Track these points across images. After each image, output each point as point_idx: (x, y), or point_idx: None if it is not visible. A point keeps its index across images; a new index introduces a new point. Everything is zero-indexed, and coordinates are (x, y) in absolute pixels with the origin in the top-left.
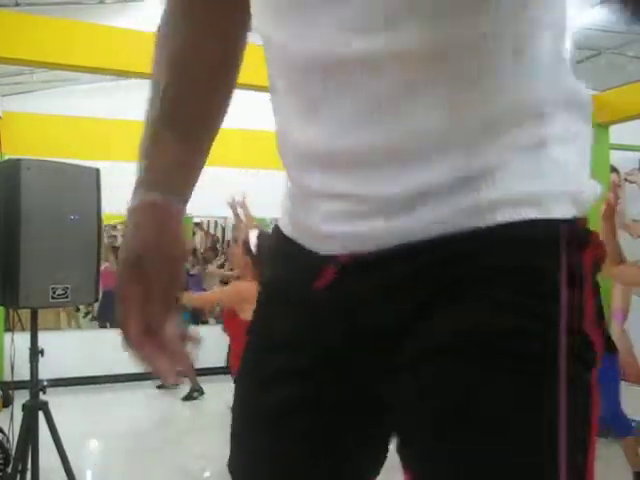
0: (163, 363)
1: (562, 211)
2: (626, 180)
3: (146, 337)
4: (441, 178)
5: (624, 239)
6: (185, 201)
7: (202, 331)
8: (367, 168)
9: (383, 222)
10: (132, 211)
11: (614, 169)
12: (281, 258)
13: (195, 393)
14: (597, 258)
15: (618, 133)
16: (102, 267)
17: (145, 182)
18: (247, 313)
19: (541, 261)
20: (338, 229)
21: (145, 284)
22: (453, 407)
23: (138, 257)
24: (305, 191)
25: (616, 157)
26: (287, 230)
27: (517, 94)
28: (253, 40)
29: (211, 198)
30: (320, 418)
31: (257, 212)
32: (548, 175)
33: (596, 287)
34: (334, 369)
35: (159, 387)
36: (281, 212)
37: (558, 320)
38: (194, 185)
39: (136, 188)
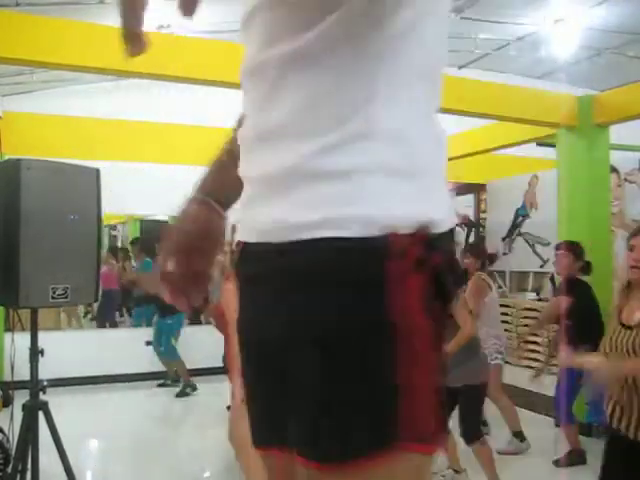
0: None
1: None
2: (626, 180)
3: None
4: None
5: (624, 239)
6: (226, 211)
7: (199, 331)
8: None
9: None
10: (191, 202)
11: (614, 169)
12: None
13: (188, 389)
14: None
15: (618, 133)
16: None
17: (204, 189)
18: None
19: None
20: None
21: (189, 248)
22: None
23: (187, 232)
24: None
25: (616, 157)
26: None
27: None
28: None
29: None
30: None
31: None
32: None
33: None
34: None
35: (160, 385)
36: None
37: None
38: (233, 202)
39: (196, 190)
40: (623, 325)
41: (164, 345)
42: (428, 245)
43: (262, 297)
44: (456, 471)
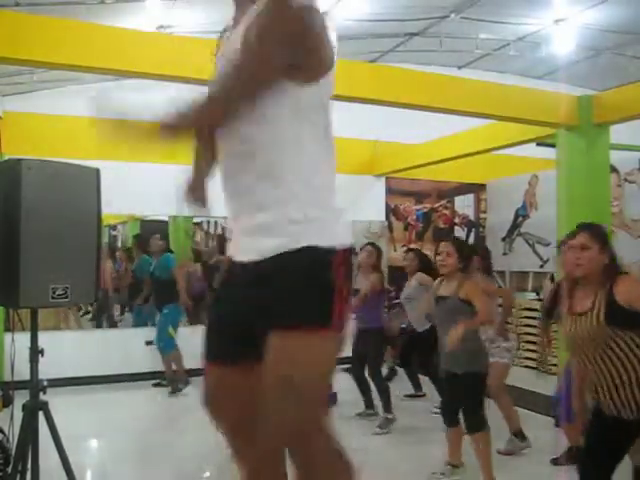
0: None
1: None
2: (626, 180)
3: None
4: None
5: (624, 239)
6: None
7: (199, 331)
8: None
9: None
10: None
11: (614, 169)
12: None
13: (181, 385)
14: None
15: (618, 133)
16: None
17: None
18: None
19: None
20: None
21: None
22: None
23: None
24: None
25: (616, 157)
26: None
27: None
28: None
29: (211, 198)
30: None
31: None
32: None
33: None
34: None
35: (155, 385)
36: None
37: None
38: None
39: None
40: (576, 314)
41: (159, 334)
42: (345, 253)
43: (243, 288)
44: (454, 466)
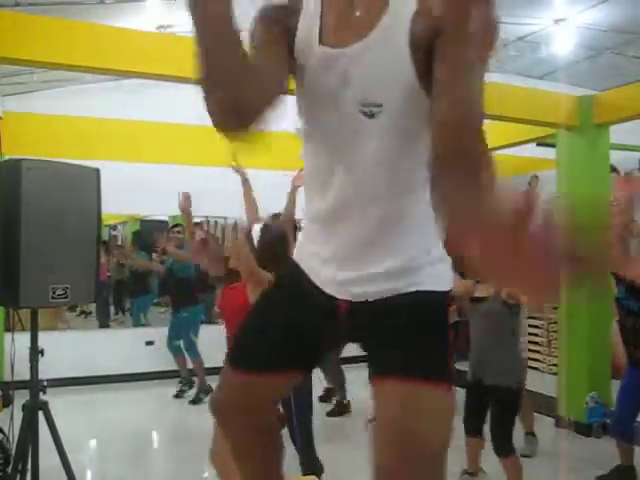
0: None
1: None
2: None
3: None
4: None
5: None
6: None
7: (211, 330)
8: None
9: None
10: None
11: (614, 169)
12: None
13: (202, 394)
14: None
15: (618, 133)
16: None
17: None
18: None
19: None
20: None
21: None
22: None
23: None
24: None
25: (616, 157)
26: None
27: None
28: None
29: (211, 198)
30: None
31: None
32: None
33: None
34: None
35: (176, 396)
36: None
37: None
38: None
39: None
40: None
41: (185, 339)
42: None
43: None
44: (471, 474)
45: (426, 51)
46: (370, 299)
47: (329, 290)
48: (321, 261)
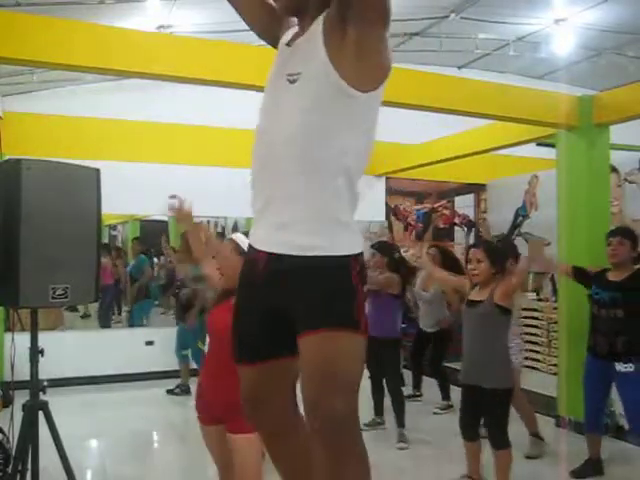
0: None
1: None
2: (626, 180)
3: None
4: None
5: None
6: None
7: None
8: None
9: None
10: None
11: (614, 169)
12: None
13: (177, 389)
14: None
15: (618, 133)
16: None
17: None
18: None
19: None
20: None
21: None
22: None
23: None
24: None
25: (616, 157)
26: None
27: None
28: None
29: (210, 198)
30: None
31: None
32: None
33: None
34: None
35: (169, 392)
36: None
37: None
38: None
39: None
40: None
41: (193, 348)
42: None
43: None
44: (470, 477)
45: (332, 36)
46: (275, 250)
47: (257, 245)
48: (254, 225)
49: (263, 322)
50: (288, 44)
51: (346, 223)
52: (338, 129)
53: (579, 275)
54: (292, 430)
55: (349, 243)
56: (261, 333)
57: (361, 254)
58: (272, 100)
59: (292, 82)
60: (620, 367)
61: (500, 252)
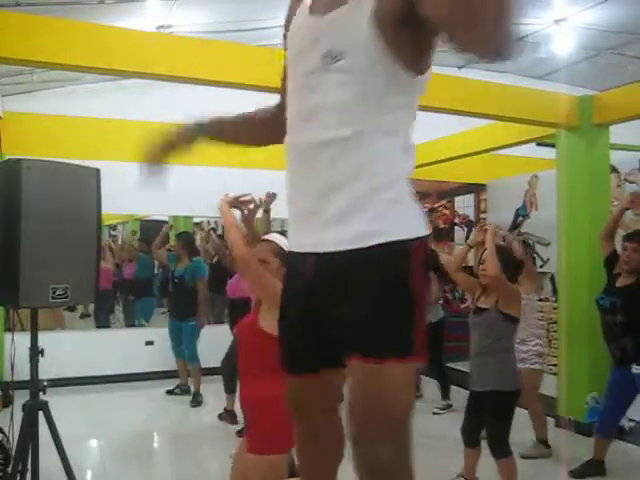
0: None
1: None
2: (626, 180)
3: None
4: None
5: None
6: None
7: (213, 331)
8: None
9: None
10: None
11: (614, 169)
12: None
13: (200, 397)
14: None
15: (618, 133)
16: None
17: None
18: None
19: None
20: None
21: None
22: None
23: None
24: None
25: (616, 157)
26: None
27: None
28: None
29: (210, 198)
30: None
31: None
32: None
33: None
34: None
35: (169, 392)
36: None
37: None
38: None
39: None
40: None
41: (188, 348)
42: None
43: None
44: (465, 478)
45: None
46: (328, 249)
47: (302, 249)
48: (295, 226)
49: (310, 332)
50: (312, 12)
51: (403, 200)
52: (389, 110)
53: (610, 261)
54: (332, 431)
55: (408, 224)
56: (309, 343)
57: (426, 237)
58: (306, 82)
59: (334, 60)
60: (635, 370)
61: (513, 259)
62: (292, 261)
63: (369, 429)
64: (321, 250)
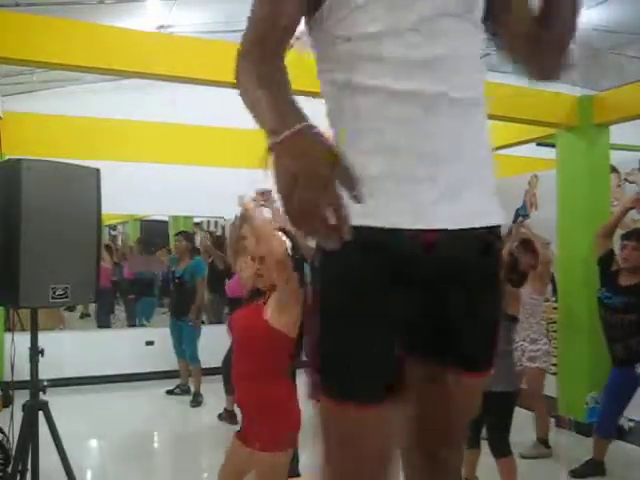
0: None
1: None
2: (626, 180)
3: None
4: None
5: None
6: None
7: (213, 330)
8: None
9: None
10: (296, 134)
11: (614, 169)
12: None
13: (200, 397)
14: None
15: (618, 133)
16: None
17: (293, 117)
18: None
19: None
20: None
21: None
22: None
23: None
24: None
25: (616, 157)
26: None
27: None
28: None
29: (210, 198)
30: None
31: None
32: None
33: None
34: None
35: (169, 392)
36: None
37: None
38: None
39: (281, 125)
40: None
41: (189, 347)
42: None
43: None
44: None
45: None
46: (456, 226)
47: (421, 223)
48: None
49: (412, 342)
50: None
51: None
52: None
53: (606, 260)
54: None
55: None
56: (405, 358)
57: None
58: (433, 47)
59: (472, 22)
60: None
61: (515, 260)
62: (377, 243)
63: (456, 436)
64: (452, 226)
